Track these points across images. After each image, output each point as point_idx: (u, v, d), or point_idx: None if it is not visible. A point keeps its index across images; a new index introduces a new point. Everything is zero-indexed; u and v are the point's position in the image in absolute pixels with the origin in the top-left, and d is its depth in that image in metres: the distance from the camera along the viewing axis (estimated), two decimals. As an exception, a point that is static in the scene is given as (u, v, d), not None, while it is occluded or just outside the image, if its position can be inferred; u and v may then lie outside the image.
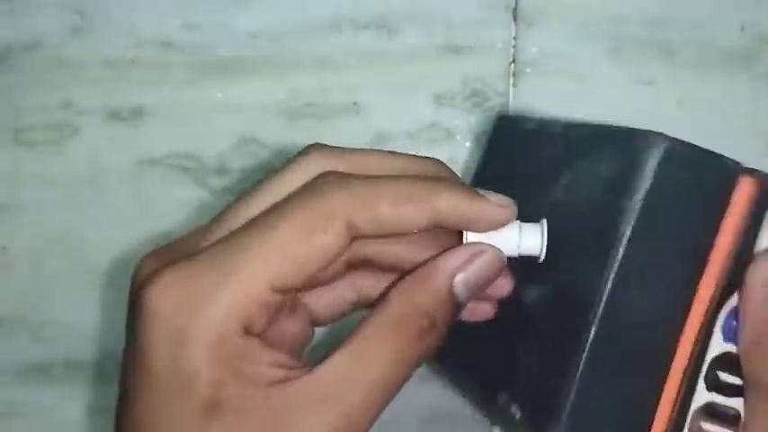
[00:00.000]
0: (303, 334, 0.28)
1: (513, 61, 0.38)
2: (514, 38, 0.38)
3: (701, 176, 0.26)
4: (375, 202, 0.24)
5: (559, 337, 0.26)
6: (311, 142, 0.39)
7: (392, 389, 0.24)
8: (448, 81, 0.38)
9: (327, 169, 0.25)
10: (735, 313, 0.26)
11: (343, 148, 0.26)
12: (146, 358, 0.23)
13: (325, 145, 0.26)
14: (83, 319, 0.39)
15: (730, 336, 0.26)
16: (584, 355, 0.25)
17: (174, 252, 0.25)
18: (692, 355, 0.26)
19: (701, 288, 0.26)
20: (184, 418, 0.23)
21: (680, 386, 0.26)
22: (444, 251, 0.26)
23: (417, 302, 0.24)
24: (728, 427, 0.26)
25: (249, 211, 0.25)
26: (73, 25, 0.38)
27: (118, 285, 0.39)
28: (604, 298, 0.25)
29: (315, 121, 0.38)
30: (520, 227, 0.26)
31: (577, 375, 0.25)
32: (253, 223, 0.24)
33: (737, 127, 0.38)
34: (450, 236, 0.27)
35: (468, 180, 0.34)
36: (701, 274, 0.26)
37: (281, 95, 0.39)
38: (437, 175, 0.26)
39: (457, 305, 0.25)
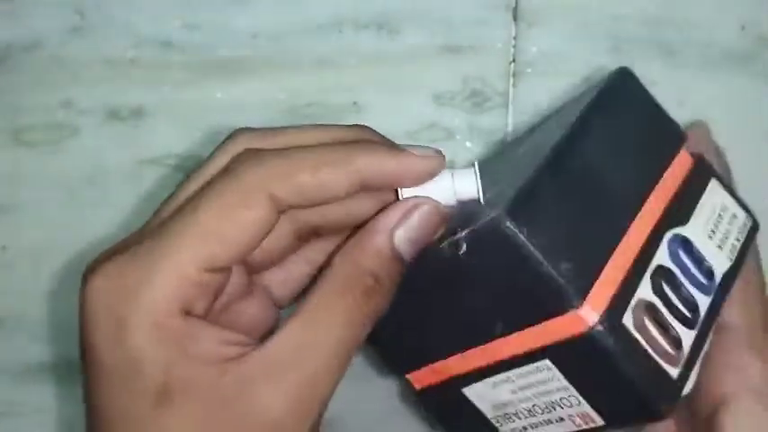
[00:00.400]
0: (265, 316, 0.28)
1: (514, 61, 0.38)
2: (514, 38, 0.38)
3: (650, 120, 0.29)
4: (293, 172, 0.24)
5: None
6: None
7: (348, 351, 0.24)
8: (448, 81, 0.38)
9: (248, 146, 0.25)
10: (683, 243, 0.28)
11: (268, 128, 0.26)
12: (93, 351, 0.24)
13: (251, 128, 0.26)
14: (83, 319, 0.39)
15: (674, 259, 0.27)
16: (543, 163, 0.26)
17: (115, 250, 0.25)
18: (647, 237, 0.27)
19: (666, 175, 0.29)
20: (136, 406, 0.23)
21: (638, 251, 0.27)
22: (381, 210, 0.26)
23: (360, 263, 0.25)
24: (670, 345, 0.26)
25: (178, 200, 0.25)
26: (73, 25, 0.38)
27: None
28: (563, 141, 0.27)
29: (315, 120, 0.38)
30: (452, 174, 0.26)
31: (533, 174, 0.26)
32: (178, 210, 0.24)
33: (738, 127, 0.38)
34: (388, 195, 0.26)
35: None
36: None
37: (281, 95, 0.39)
38: (360, 138, 0.26)
39: (400, 261, 0.25)
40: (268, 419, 0.23)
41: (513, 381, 0.28)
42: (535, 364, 0.27)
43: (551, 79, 0.38)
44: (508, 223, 0.24)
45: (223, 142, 0.26)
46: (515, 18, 0.38)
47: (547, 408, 0.28)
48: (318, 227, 0.27)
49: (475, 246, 0.25)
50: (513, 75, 0.38)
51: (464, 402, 0.29)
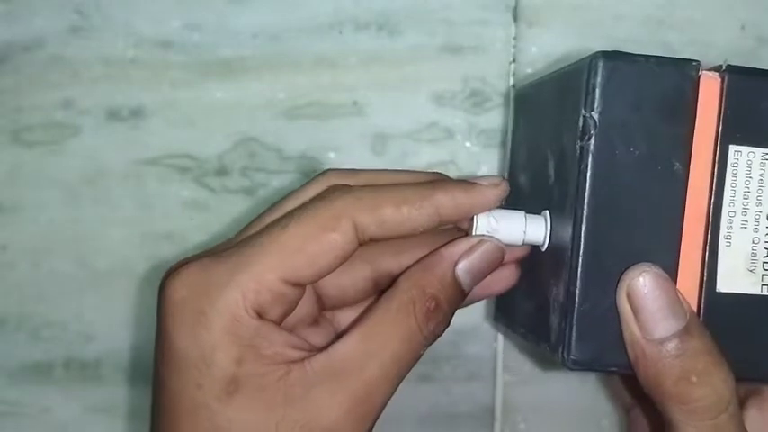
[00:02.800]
0: (312, 320, 0.30)
1: (514, 61, 0.39)
2: (514, 38, 0.38)
3: (657, 85, 0.27)
4: (379, 204, 0.26)
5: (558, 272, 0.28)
6: (311, 142, 0.40)
7: (404, 366, 0.26)
8: (448, 81, 0.38)
9: (337, 183, 0.28)
10: None
11: (354, 168, 0.29)
12: (169, 341, 0.26)
13: (339, 168, 0.29)
14: (83, 318, 0.39)
15: None
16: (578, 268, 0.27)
17: (201, 255, 0.27)
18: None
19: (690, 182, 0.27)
20: (205, 394, 0.25)
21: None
22: (450, 241, 0.28)
23: (424, 286, 0.27)
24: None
25: (263, 222, 0.28)
26: (73, 25, 0.38)
27: (117, 285, 0.39)
28: (582, 228, 0.27)
29: (315, 121, 0.38)
30: (525, 218, 0.29)
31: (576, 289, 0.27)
32: (268, 226, 0.27)
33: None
34: (455, 233, 0.29)
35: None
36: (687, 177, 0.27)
37: (281, 95, 0.39)
38: (436, 180, 0.29)
39: (460, 290, 0.28)
40: (326, 421, 0.25)
41: None
42: None
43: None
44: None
45: (314, 177, 0.29)
46: (515, 18, 0.38)
47: None
48: (396, 276, 0.29)
49: None
50: (514, 74, 0.39)
51: None
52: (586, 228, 0.27)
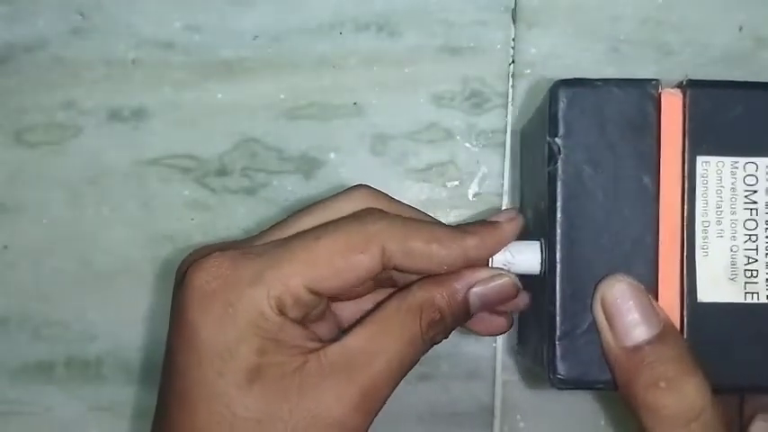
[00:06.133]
0: (330, 338, 0.30)
1: (513, 62, 0.39)
2: (513, 39, 0.39)
3: (619, 107, 0.28)
4: (410, 236, 0.27)
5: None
6: (312, 142, 0.40)
7: (406, 366, 0.27)
8: (447, 82, 0.39)
9: (372, 206, 0.29)
10: None
11: (388, 195, 0.30)
12: (193, 329, 0.26)
13: (373, 187, 0.30)
14: (84, 318, 0.39)
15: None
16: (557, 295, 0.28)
17: (219, 246, 0.28)
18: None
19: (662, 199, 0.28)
20: (226, 382, 0.26)
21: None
22: (471, 267, 0.29)
23: (435, 298, 0.28)
24: None
25: (300, 225, 0.28)
26: (74, 26, 0.39)
27: (119, 284, 0.39)
28: (558, 258, 0.28)
29: (315, 121, 0.39)
30: (542, 247, 0.29)
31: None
32: (302, 233, 0.28)
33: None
34: None
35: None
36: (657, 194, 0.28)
37: (281, 96, 0.39)
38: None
39: (467, 310, 0.29)
40: (336, 413, 0.26)
41: None
42: None
43: (550, 80, 0.38)
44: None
45: (346, 189, 0.30)
46: (514, 19, 0.39)
47: None
48: (396, 280, 0.30)
49: None
50: (513, 76, 0.39)
51: None
52: (561, 250, 0.28)
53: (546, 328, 0.28)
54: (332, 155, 0.39)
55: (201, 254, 0.27)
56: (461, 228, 0.29)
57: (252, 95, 0.39)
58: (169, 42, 0.39)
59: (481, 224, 0.29)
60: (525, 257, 0.29)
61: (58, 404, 0.39)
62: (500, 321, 0.31)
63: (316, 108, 0.39)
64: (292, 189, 0.39)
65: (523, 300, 0.31)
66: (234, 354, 0.26)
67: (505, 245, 0.29)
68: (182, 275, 0.27)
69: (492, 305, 0.29)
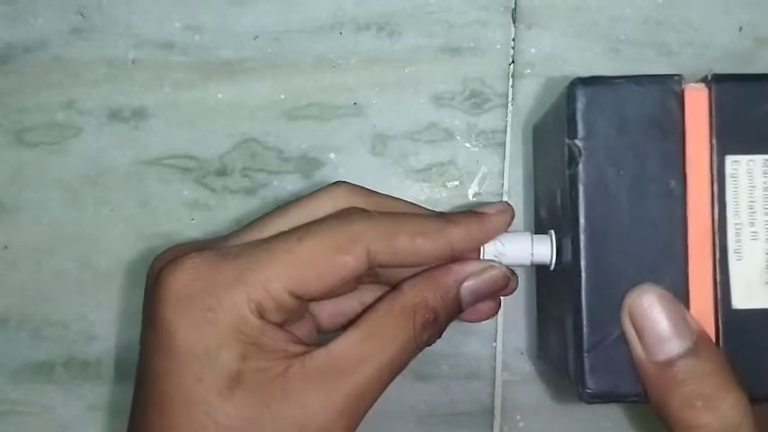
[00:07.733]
0: (308, 340, 0.29)
1: (513, 62, 0.39)
2: (513, 39, 0.39)
3: (640, 105, 0.27)
4: (394, 234, 0.26)
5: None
6: (312, 142, 0.40)
7: (396, 370, 0.26)
8: (447, 82, 0.39)
9: (353, 203, 0.28)
10: None
11: (368, 188, 0.29)
12: (170, 333, 0.25)
13: (353, 183, 0.29)
14: (84, 318, 0.39)
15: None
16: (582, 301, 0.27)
17: (195, 247, 0.27)
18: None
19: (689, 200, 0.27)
20: (206, 389, 0.25)
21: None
22: (461, 259, 0.28)
23: (427, 298, 0.27)
24: None
25: (278, 224, 0.27)
26: (74, 26, 0.39)
27: (119, 284, 0.39)
28: (582, 256, 0.26)
29: (315, 121, 0.39)
30: (532, 238, 0.29)
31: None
32: (283, 234, 0.27)
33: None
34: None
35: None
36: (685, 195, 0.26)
37: (281, 96, 0.39)
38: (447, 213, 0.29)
39: (459, 307, 0.28)
40: (320, 420, 0.25)
41: None
42: None
43: (550, 80, 0.38)
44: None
45: (325, 187, 0.29)
46: (514, 19, 0.39)
47: None
48: (379, 276, 0.29)
49: None
50: (513, 76, 0.39)
51: None
52: (585, 258, 0.26)
53: (571, 338, 0.27)
54: (332, 155, 0.39)
55: (175, 254, 0.26)
56: (447, 217, 0.28)
57: (252, 95, 0.39)
58: (169, 42, 0.39)
59: (468, 215, 0.28)
60: (516, 247, 0.29)
61: (57, 404, 0.39)
62: (489, 306, 0.30)
63: (316, 108, 0.39)
64: (292, 189, 0.39)
65: (513, 286, 0.30)
66: (214, 359, 0.25)
67: (493, 237, 0.28)
68: (155, 276, 0.26)
69: (484, 298, 0.29)
